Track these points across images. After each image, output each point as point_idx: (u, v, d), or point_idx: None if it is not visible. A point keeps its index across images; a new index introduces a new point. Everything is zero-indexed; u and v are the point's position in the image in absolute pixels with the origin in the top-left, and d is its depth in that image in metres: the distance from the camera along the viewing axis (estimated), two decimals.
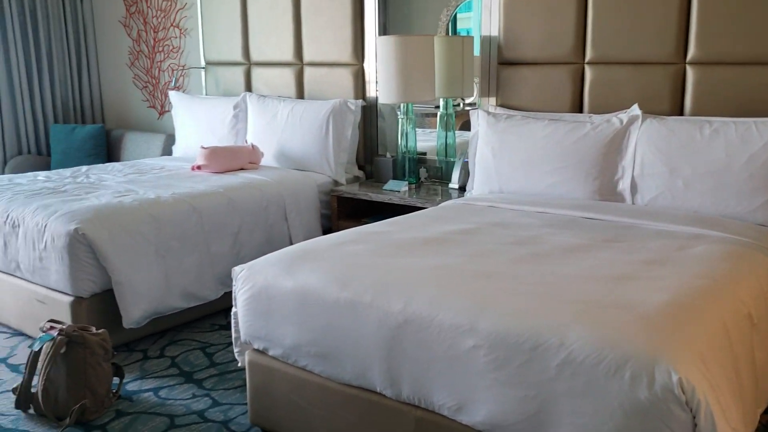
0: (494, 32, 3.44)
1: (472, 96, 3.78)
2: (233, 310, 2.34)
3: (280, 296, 2.14)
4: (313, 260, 2.20)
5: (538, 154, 3.03)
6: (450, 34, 3.89)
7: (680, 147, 2.71)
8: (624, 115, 2.91)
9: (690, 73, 2.93)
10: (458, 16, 3.91)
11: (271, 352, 2.22)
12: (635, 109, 2.90)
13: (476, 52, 3.64)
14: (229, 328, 3.08)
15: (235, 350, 2.40)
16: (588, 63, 3.18)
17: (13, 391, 2.56)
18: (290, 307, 2.12)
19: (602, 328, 1.65)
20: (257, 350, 2.28)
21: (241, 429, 2.39)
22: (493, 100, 3.50)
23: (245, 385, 2.41)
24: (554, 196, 2.97)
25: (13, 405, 2.54)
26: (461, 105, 3.95)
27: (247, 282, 2.23)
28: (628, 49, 3.04)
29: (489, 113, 3.30)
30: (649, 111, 2.93)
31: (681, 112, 2.96)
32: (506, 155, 3.13)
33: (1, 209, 3.16)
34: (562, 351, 1.64)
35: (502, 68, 3.44)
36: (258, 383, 2.30)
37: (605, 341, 1.60)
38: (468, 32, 3.84)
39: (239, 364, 2.42)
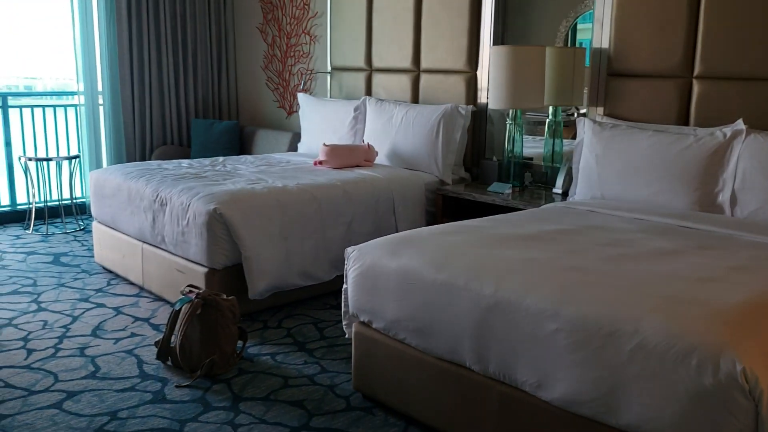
0: (605, 44, 3.56)
1: (583, 105, 3.90)
2: (344, 286, 2.63)
3: (385, 275, 2.41)
4: (414, 245, 2.45)
5: (640, 163, 3.13)
6: (569, 44, 4.02)
7: None
8: (728, 129, 2.96)
9: None
10: (578, 27, 4.02)
11: (374, 325, 2.50)
12: (739, 124, 2.94)
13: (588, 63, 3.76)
14: (339, 308, 3.39)
15: (344, 323, 2.69)
16: (696, 77, 3.24)
17: (155, 344, 2.97)
18: (392, 285, 2.38)
19: (674, 319, 1.79)
20: (362, 323, 2.57)
21: (344, 393, 2.68)
22: (600, 110, 3.61)
23: (350, 357, 2.70)
24: (654, 204, 3.06)
25: (154, 356, 2.95)
26: (575, 114, 4.06)
27: (357, 261, 2.52)
28: (737, 64, 3.08)
29: (595, 122, 3.42)
30: (757, 127, 2.96)
31: None
32: (609, 163, 3.25)
33: (153, 189, 3.64)
34: (635, 337, 1.79)
35: (611, 79, 3.55)
36: (362, 353, 2.58)
37: (676, 330, 1.74)
38: (589, 43, 3.95)
39: (346, 336, 2.71)
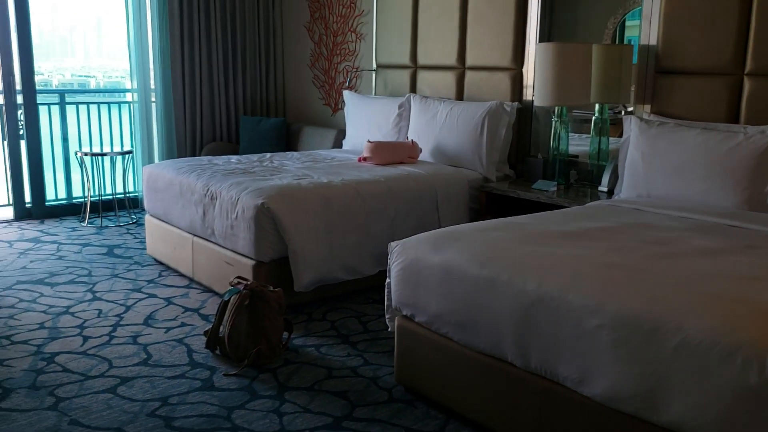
0: (653, 41, 3.52)
1: (630, 103, 3.86)
2: (387, 280, 2.67)
3: (428, 269, 2.44)
4: (458, 241, 2.48)
5: (688, 162, 3.09)
6: (617, 41, 3.98)
7: None
8: None
9: None
10: (626, 24, 3.98)
11: (417, 319, 2.54)
12: None
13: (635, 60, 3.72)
14: (382, 303, 3.45)
15: (387, 316, 2.74)
16: (747, 74, 3.18)
17: (204, 333, 3.06)
18: (436, 279, 2.41)
19: (719, 316, 1.77)
20: (405, 316, 2.60)
21: (387, 386, 2.73)
22: (648, 108, 3.57)
23: (393, 350, 2.74)
24: (701, 203, 3.02)
25: (204, 345, 3.05)
26: (622, 112, 4.02)
27: (400, 256, 2.56)
28: None
29: (641, 119, 3.39)
30: None
31: None
32: (656, 161, 3.21)
33: (203, 184, 3.75)
34: (679, 334, 1.78)
35: (659, 77, 3.51)
36: (404, 346, 2.61)
37: (720, 328, 1.73)
38: (637, 40, 3.89)
39: (389, 329, 2.75)
